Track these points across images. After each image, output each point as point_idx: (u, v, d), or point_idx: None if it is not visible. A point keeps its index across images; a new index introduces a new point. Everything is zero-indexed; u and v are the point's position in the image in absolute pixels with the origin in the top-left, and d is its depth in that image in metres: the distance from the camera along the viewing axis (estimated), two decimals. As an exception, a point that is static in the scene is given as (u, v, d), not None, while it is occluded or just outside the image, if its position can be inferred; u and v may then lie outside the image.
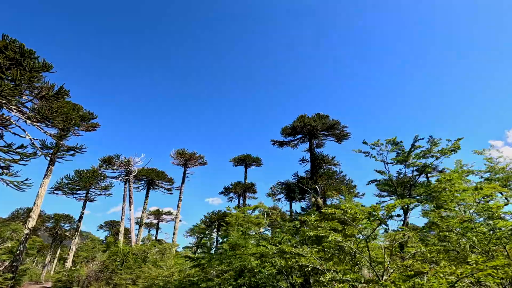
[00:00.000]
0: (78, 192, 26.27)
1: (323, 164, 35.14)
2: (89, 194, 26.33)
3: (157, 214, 58.47)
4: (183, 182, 35.51)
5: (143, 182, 41.98)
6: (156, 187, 43.15)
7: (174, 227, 32.48)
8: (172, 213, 60.43)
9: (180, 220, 62.66)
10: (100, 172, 27.27)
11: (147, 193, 41.37)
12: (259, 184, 47.56)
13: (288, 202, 42.16)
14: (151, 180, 41.36)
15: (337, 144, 45.80)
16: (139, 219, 40.02)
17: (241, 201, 42.43)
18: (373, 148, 6.07)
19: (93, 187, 26.69)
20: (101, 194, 26.82)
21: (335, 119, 33.29)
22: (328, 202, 33.71)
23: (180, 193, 34.94)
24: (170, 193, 44.77)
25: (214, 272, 6.44)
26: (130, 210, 31.33)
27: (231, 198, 45.04)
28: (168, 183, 42.35)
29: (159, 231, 54.77)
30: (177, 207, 33.90)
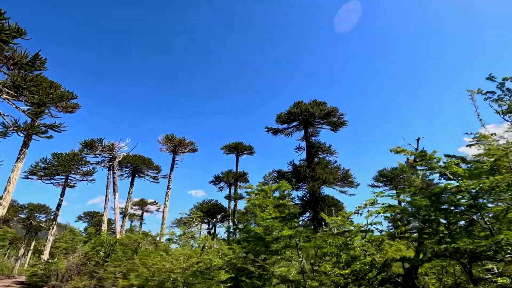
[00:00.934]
0: (56, 177, 23.72)
1: (320, 153, 34.06)
2: (68, 180, 23.82)
3: (142, 204, 55.83)
4: (172, 170, 33.41)
5: (127, 169, 39.47)
6: (141, 175, 40.73)
7: (163, 217, 30.51)
8: (157, 203, 58.02)
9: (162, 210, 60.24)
10: (81, 156, 24.75)
11: (131, 182, 38.98)
12: (251, 174, 46.03)
13: (281, 192, 41.02)
14: (136, 167, 38.90)
15: (332, 134, 44.70)
16: (123, 209, 37.64)
17: (232, 191, 40.82)
18: (501, 87, 4.04)
19: (73, 172, 24.17)
20: (82, 180, 24.36)
21: (333, 106, 32.18)
22: (325, 191, 32.75)
23: (168, 181, 32.88)
24: (157, 182, 42.49)
25: (304, 260, 4.69)
26: (114, 198, 29.01)
27: (221, 188, 43.39)
28: (155, 171, 40.05)
29: (142, 222, 52.28)
30: (166, 195, 31.85)
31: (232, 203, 39.41)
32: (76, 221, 70.74)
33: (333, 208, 27.91)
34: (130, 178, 39.17)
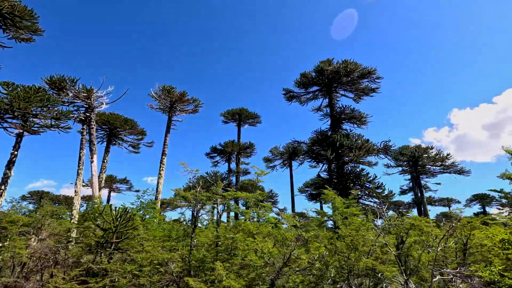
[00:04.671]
0: (10, 120, 15.38)
1: (344, 122, 29.14)
2: (28, 124, 15.56)
3: (109, 181, 46.58)
4: (168, 132, 25.97)
5: (102, 132, 30.88)
6: (119, 141, 32.34)
7: (157, 190, 23.26)
8: (128, 181, 49.30)
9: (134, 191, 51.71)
10: (48, 93, 16.57)
11: (107, 148, 30.60)
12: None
13: (288, 169, 35.71)
14: (114, 129, 30.53)
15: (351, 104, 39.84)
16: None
17: (232, 166, 34.35)
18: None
19: (38, 115, 15.98)
20: (51, 127, 16.21)
21: (372, 67, 27.17)
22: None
23: (164, 145, 25.46)
24: (136, 152, 34.43)
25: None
26: (92, 162, 21.13)
27: (216, 163, 36.64)
28: (138, 137, 31.97)
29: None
30: (161, 163, 24.51)
31: (233, 178, 33.09)
32: (19, 202, 58.26)
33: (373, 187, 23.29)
34: (105, 143, 30.71)
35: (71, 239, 12.22)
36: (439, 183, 39.58)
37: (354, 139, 24.09)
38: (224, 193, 7.88)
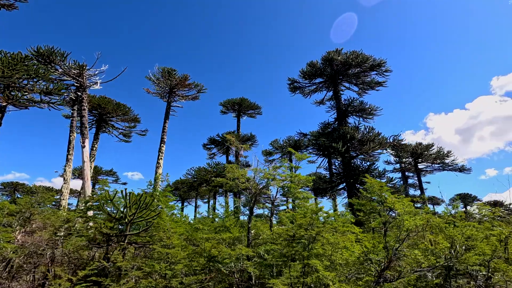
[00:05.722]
0: (-11, 89, 12.92)
1: (352, 114, 28.14)
2: (13, 95, 13.13)
3: (94, 173, 43.51)
4: (167, 118, 23.90)
5: (91, 117, 28.27)
6: (108, 128, 29.82)
7: (155, 181, 21.24)
8: (115, 173, 46.44)
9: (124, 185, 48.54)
10: (38, 65, 14.29)
11: (96, 135, 28.08)
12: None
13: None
14: (105, 115, 28.02)
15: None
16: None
17: (230, 158, 32.64)
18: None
19: (24, 88, 13.63)
20: (41, 103, 13.82)
21: (382, 58, 26.21)
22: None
23: (163, 132, 23.39)
24: (127, 141, 32.08)
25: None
26: (83, 147, 18.88)
27: (213, 155, 34.83)
28: (130, 124, 29.58)
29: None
30: (159, 151, 22.46)
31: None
32: (-9, 193, 54.82)
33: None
34: (95, 129, 28.14)
35: (71, 232, 10.27)
36: (429, 182, 40.00)
37: (366, 132, 23.11)
38: (282, 175, 6.38)
